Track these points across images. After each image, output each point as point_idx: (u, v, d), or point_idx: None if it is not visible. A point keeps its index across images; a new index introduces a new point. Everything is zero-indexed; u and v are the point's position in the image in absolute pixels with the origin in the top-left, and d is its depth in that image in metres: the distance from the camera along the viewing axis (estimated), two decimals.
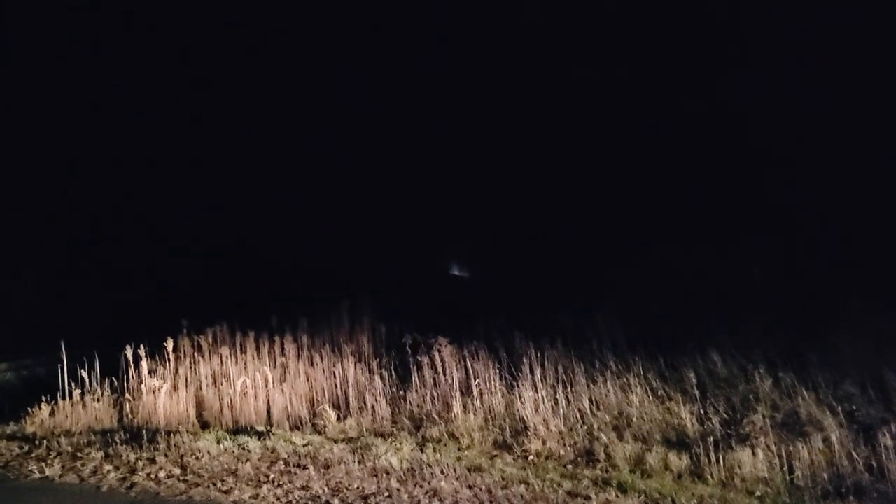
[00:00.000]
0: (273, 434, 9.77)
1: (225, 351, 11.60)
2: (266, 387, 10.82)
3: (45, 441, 9.90)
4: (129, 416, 10.93)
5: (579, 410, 9.09)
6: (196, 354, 11.67)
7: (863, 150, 11.90)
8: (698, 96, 13.47)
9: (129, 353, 11.19)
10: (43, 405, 10.96)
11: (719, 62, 13.61)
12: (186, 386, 11.12)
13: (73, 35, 17.69)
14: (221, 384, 11.12)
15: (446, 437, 9.34)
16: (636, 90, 14.17)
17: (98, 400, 11.02)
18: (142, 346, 11.27)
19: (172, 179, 16.73)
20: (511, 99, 15.73)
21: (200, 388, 11.16)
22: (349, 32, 17.90)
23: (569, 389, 9.40)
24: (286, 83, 17.85)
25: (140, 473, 8.45)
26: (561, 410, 9.13)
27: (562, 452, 8.49)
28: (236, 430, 10.16)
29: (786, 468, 7.27)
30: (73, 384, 11.01)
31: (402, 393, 10.40)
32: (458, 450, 8.90)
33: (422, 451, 8.79)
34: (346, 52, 17.75)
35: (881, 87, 11.92)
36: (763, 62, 13.30)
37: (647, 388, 9.10)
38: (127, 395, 11.10)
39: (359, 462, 8.34)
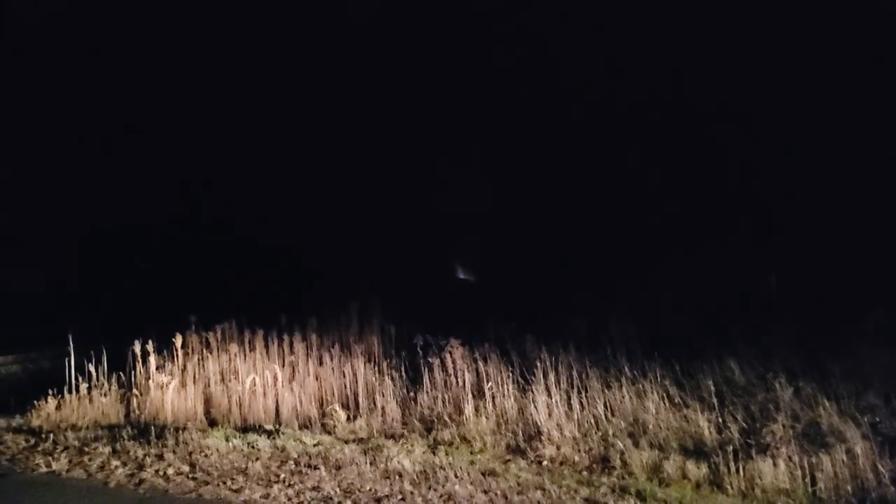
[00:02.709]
0: (282, 433, 9.66)
1: (233, 348, 11.50)
2: (275, 385, 10.71)
3: (51, 435, 9.79)
4: (136, 411, 10.84)
5: (594, 416, 8.92)
6: (204, 351, 11.58)
7: (886, 156, 11.77)
8: (715, 102, 13.34)
9: (137, 348, 11.11)
10: (49, 399, 10.89)
11: (730, 66, 13.49)
12: (194, 382, 11.03)
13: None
14: (230, 381, 11.01)
15: (458, 440, 9.20)
16: (650, 93, 14.05)
17: (105, 395, 10.95)
18: (150, 342, 11.19)
19: (182, 178, 16.63)
20: (523, 101, 15.62)
21: (208, 385, 11.07)
22: (351, 32, 17.81)
23: (583, 395, 9.25)
24: (294, 81, 17.76)
25: (148, 470, 8.34)
26: (575, 416, 8.96)
27: (576, 458, 8.33)
28: (245, 429, 10.05)
29: (808, 480, 7.11)
30: (79, 378, 10.93)
31: (412, 394, 10.26)
32: (471, 453, 8.76)
33: (434, 453, 8.66)
34: (352, 52, 17.65)
35: None
36: (779, 64, 13.19)
37: (664, 395, 8.93)
38: (134, 390, 11.00)
39: (370, 463, 8.21)
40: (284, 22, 18.46)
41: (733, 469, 7.39)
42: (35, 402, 10.99)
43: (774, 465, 7.33)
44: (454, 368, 10.22)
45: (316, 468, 8.16)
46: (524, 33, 16.10)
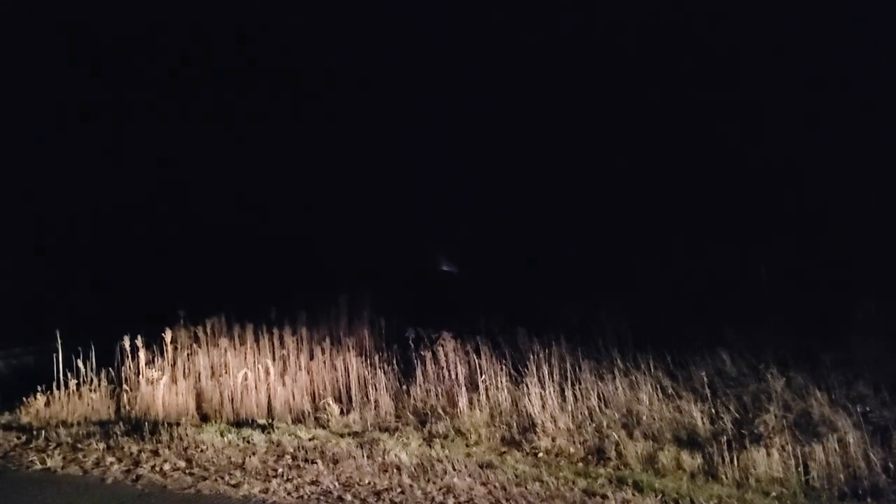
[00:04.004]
0: (276, 427, 9.65)
1: (223, 343, 11.46)
2: (267, 379, 10.69)
3: (42, 432, 9.71)
4: (127, 407, 10.74)
5: (588, 408, 9.00)
6: (194, 345, 11.53)
7: (876, 147, 11.89)
8: (708, 93, 13.41)
9: (125, 342, 11.04)
10: (38, 395, 10.79)
11: (728, 62, 13.57)
12: (185, 377, 10.97)
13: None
14: (221, 376, 10.98)
15: (453, 432, 9.23)
16: (648, 86, 14.09)
17: (94, 390, 10.84)
18: (138, 337, 11.12)
19: (168, 170, 16.51)
20: (514, 92, 15.60)
21: (199, 380, 11.01)
22: (347, 23, 17.70)
23: (576, 387, 9.32)
24: (281, 74, 17.64)
25: (144, 466, 8.32)
26: (569, 407, 9.03)
27: (572, 450, 8.41)
28: (238, 423, 10.04)
29: (801, 469, 7.24)
30: (68, 374, 10.83)
31: (405, 388, 10.30)
32: (466, 445, 8.80)
33: (430, 446, 8.69)
34: (345, 43, 17.54)
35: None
36: (771, 61, 13.29)
37: (656, 386, 9.02)
38: (124, 385, 10.93)
39: (367, 457, 8.23)
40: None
41: (727, 459, 7.49)
42: (24, 398, 10.90)
43: (768, 454, 7.44)
44: (447, 361, 10.28)
45: (313, 462, 8.17)
46: (515, 32, 16.08)
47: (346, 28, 17.87)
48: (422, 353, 10.52)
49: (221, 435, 9.29)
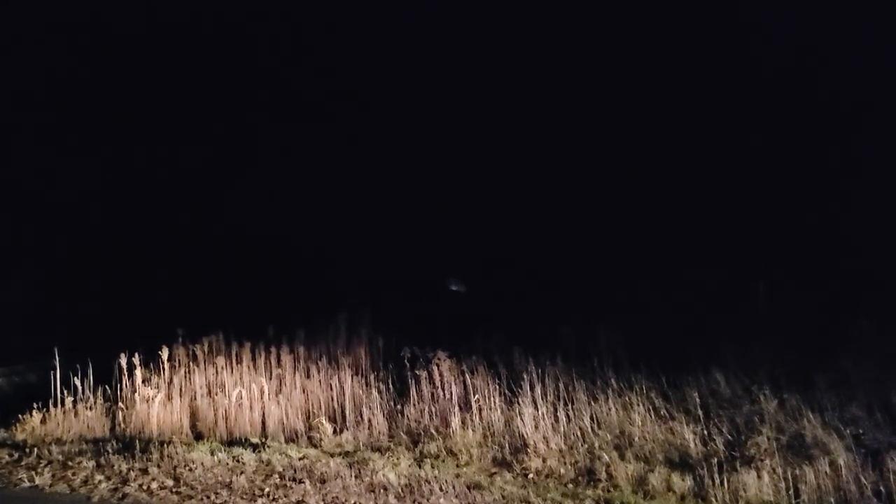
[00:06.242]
0: (268, 446, 9.63)
1: (220, 361, 11.46)
2: (261, 398, 10.68)
3: (35, 449, 9.72)
4: (122, 425, 10.76)
5: (580, 428, 8.93)
6: (191, 364, 11.54)
7: (870, 164, 11.78)
8: (701, 109, 13.33)
9: (123, 361, 11.06)
10: (34, 412, 10.82)
11: (723, 71, 13.49)
12: (181, 395, 10.96)
13: None
14: (216, 394, 10.98)
15: (444, 452, 9.17)
16: (640, 100, 14.03)
17: (90, 408, 10.86)
18: (136, 355, 11.14)
19: (165, 185, 16.58)
20: (512, 107, 15.54)
21: (195, 398, 11.00)
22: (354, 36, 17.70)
23: (569, 407, 9.26)
24: (281, 85, 17.69)
25: (132, 484, 8.30)
26: (561, 428, 8.97)
27: (562, 471, 8.33)
28: (230, 442, 10.01)
29: (791, 492, 7.14)
30: (65, 392, 10.87)
31: (399, 407, 10.24)
32: (457, 466, 8.75)
33: (420, 466, 8.64)
34: (350, 55, 17.52)
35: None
36: (768, 65, 13.20)
37: (650, 407, 8.95)
38: (120, 403, 10.94)
39: (356, 477, 8.19)
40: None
41: (718, 481, 7.40)
42: (20, 415, 10.94)
43: (759, 477, 7.36)
44: (441, 381, 10.23)
45: (301, 482, 8.13)
46: (518, 32, 16.00)
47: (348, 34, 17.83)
48: (417, 372, 10.48)
49: (212, 454, 9.27)
